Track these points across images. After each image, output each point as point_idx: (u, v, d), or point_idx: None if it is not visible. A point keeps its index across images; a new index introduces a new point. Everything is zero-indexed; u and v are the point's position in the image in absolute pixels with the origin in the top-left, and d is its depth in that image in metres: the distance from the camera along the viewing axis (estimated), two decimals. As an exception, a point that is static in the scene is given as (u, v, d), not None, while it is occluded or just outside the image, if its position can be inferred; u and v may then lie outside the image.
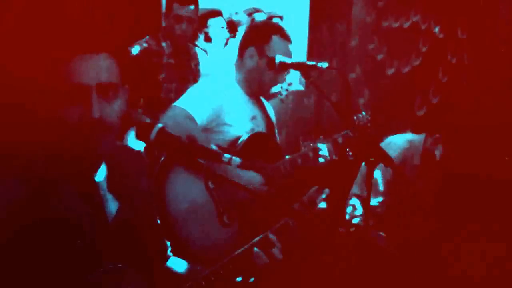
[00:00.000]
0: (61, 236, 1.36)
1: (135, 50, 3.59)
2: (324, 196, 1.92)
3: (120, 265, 1.45)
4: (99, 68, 1.42)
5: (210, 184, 1.50)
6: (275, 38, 2.84)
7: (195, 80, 3.86)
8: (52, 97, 1.40)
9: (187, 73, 3.87)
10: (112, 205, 1.53)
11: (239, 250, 1.72)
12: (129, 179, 1.60)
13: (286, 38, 2.88)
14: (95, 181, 1.51)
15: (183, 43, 3.80)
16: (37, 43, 1.39)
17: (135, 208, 1.58)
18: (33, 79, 1.39)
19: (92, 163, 1.51)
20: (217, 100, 2.76)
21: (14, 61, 1.39)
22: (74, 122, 1.40)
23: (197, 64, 3.98)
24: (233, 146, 2.74)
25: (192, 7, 3.68)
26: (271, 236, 1.76)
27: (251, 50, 2.86)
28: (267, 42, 2.84)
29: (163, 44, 3.71)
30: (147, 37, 3.71)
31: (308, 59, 4.72)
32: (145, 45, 3.64)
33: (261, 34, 2.89)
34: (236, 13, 5.17)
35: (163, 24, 3.82)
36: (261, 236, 1.77)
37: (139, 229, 1.57)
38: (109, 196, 1.52)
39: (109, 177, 1.54)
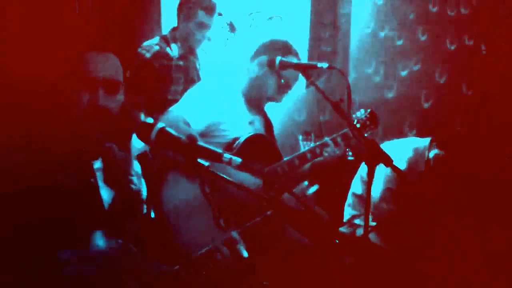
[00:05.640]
0: (59, 222, 1.42)
1: (148, 53, 3.54)
2: (313, 190, 1.97)
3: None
4: (106, 65, 1.63)
5: (206, 188, 1.53)
6: (290, 57, 2.81)
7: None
8: (59, 88, 1.57)
9: (194, 74, 3.86)
10: (106, 193, 1.61)
11: (203, 250, 1.74)
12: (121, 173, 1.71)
13: (297, 56, 2.88)
14: (93, 168, 1.61)
15: (194, 46, 3.79)
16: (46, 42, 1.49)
17: (127, 198, 1.70)
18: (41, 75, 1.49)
19: (92, 151, 1.63)
20: (214, 104, 2.75)
21: (21, 60, 1.50)
22: (75, 112, 1.56)
23: (199, 64, 3.97)
24: (230, 148, 2.73)
25: (214, 16, 3.70)
26: (235, 235, 1.77)
27: (263, 59, 2.84)
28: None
29: (173, 45, 3.69)
30: (158, 38, 3.68)
31: (308, 59, 4.71)
32: (157, 47, 3.60)
33: (280, 51, 2.85)
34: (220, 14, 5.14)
35: (181, 26, 3.69)
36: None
37: (130, 217, 1.67)
38: (104, 185, 1.62)
39: (104, 169, 1.64)
